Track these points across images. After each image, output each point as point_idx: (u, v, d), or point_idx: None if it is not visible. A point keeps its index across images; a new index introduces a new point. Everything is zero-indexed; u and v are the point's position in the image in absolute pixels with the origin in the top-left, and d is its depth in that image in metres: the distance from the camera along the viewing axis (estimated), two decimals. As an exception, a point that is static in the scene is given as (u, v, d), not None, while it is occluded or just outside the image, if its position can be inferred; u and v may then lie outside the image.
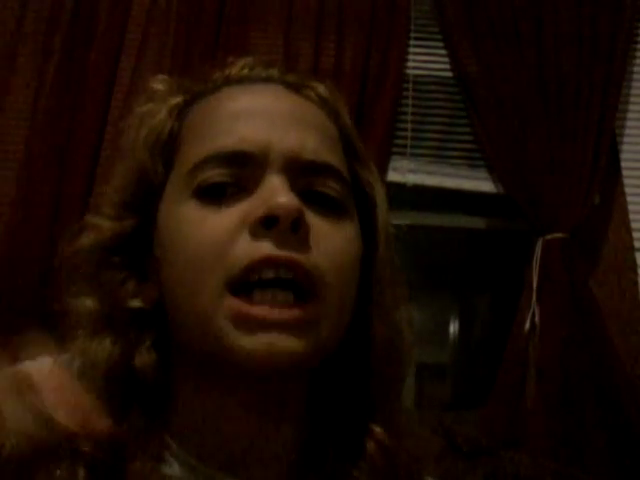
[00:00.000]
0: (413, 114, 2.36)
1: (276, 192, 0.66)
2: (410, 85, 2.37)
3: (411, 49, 2.38)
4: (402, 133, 2.35)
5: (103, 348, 0.68)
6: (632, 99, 2.37)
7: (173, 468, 0.67)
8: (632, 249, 2.27)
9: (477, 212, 2.41)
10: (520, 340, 2.16)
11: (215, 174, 0.68)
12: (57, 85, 2.23)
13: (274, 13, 2.34)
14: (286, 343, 0.64)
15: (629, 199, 2.30)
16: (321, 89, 0.77)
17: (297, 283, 0.65)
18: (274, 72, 0.79)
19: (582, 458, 2.06)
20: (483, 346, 2.69)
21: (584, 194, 2.21)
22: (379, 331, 0.72)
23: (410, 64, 2.38)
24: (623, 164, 2.32)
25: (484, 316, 2.86)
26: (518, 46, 2.28)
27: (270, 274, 0.65)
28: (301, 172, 0.69)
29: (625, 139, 2.35)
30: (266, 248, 0.65)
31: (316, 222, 0.68)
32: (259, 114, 0.71)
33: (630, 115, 2.36)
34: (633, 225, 2.28)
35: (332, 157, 0.72)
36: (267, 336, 0.63)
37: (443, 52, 2.40)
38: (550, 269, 2.17)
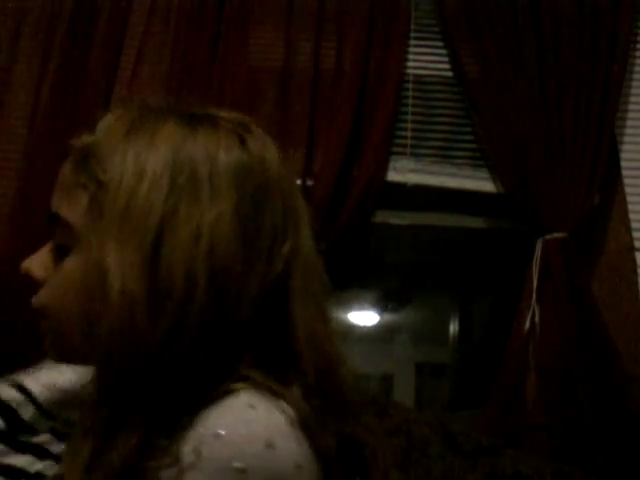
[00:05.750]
0: (413, 114, 2.36)
1: None
2: (410, 85, 2.37)
3: (411, 49, 2.38)
4: (402, 133, 2.35)
5: None
6: (632, 99, 2.37)
7: None
8: (632, 249, 2.27)
9: (477, 212, 2.41)
10: (520, 340, 2.16)
11: None
12: (57, 85, 2.23)
13: (274, 13, 2.34)
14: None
15: (629, 199, 2.30)
16: (81, 140, 0.83)
17: None
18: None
19: (582, 457, 2.06)
20: (483, 346, 2.69)
21: (584, 194, 2.21)
22: None
23: (410, 64, 2.38)
24: (623, 164, 2.32)
25: (484, 316, 2.86)
26: (518, 46, 2.28)
27: None
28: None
29: (625, 139, 2.35)
30: None
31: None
32: None
33: (630, 115, 2.36)
34: (633, 225, 2.28)
35: (60, 204, 0.81)
36: None
37: (444, 52, 2.40)
38: (550, 269, 2.17)
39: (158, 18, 2.32)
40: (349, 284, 2.55)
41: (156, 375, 0.72)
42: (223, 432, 0.69)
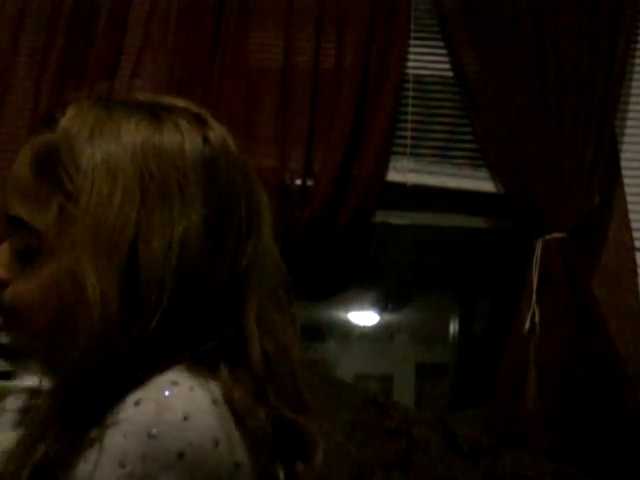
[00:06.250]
0: (413, 114, 2.36)
1: None
2: (410, 85, 2.37)
3: (411, 49, 2.38)
4: (402, 133, 2.35)
5: None
6: (632, 99, 2.37)
7: None
8: (632, 249, 2.27)
9: (477, 212, 2.41)
10: (520, 340, 2.16)
11: None
12: (57, 85, 2.23)
13: (274, 13, 2.34)
14: None
15: (629, 199, 2.30)
16: (40, 139, 0.81)
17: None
18: None
19: (582, 457, 2.06)
20: (483, 346, 2.69)
21: (584, 194, 2.21)
22: None
23: (410, 64, 2.38)
24: (623, 164, 2.32)
25: (484, 316, 2.86)
26: (518, 46, 2.29)
27: None
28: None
29: (625, 139, 2.35)
30: None
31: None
32: None
33: (630, 115, 2.36)
34: (633, 225, 2.28)
35: (22, 208, 0.80)
36: None
37: (444, 52, 2.40)
38: (550, 269, 2.17)
39: (158, 18, 2.32)
40: (349, 284, 2.55)
41: (111, 374, 0.74)
42: (143, 401, 0.71)
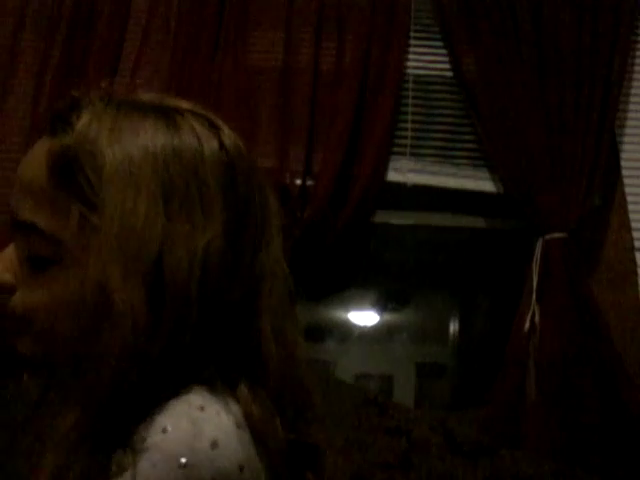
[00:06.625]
0: (413, 114, 2.36)
1: None
2: (410, 85, 2.37)
3: (411, 49, 2.39)
4: (402, 133, 2.35)
5: None
6: (632, 99, 2.37)
7: None
8: (632, 249, 2.27)
9: (477, 212, 2.41)
10: (520, 340, 2.16)
11: None
12: (57, 85, 2.23)
13: (274, 13, 2.35)
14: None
15: (629, 199, 2.30)
16: (57, 142, 0.78)
17: None
18: None
19: (582, 457, 2.06)
20: (483, 346, 2.69)
21: (584, 194, 2.21)
22: None
23: (410, 64, 2.38)
24: (623, 164, 2.33)
25: (484, 316, 2.86)
26: (518, 46, 2.29)
27: None
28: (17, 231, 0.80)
29: (625, 139, 2.35)
30: None
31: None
32: None
33: (630, 115, 2.36)
34: (633, 225, 2.28)
35: (37, 214, 0.77)
36: None
37: (444, 51, 2.40)
38: (550, 269, 2.17)
39: (158, 18, 2.32)
40: (349, 284, 2.55)
41: (141, 389, 0.73)
42: (171, 428, 0.70)
